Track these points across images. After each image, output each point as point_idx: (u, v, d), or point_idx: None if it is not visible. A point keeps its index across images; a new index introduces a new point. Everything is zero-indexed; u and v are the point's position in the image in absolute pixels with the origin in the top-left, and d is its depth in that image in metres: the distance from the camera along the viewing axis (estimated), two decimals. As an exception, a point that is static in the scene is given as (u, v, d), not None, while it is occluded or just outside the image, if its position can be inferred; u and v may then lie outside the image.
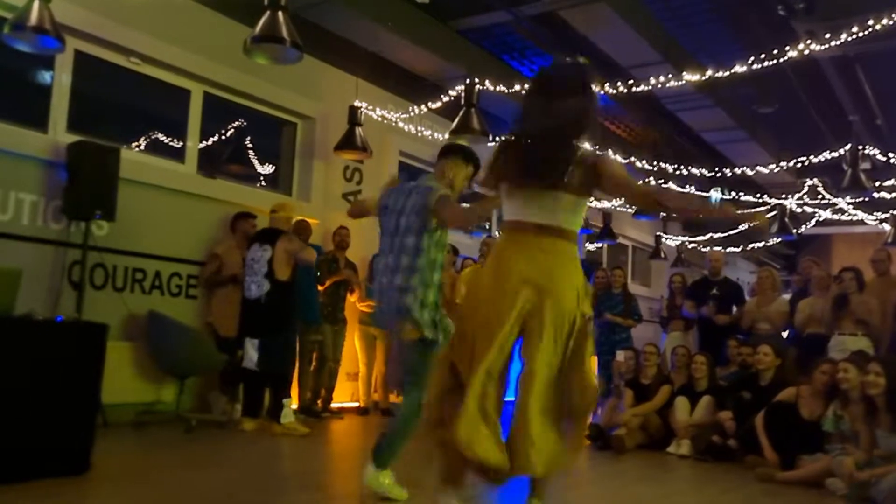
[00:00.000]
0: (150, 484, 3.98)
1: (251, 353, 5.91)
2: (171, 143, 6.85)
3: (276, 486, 4.19)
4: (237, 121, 7.60)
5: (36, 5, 4.80)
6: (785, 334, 7.38)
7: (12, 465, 3.65)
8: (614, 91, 7.01)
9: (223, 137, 7.51)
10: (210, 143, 7.20)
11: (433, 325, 3.69)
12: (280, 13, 5.04)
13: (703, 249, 14.74)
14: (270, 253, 5.91)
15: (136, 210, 6.01)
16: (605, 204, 12.02)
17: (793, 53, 5.86)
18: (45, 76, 5.94)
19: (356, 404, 7.77)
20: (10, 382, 3.68)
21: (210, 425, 5.96)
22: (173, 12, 6.38)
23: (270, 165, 8.08)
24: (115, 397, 5.45)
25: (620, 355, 7.22)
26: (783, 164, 9.86)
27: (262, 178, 8.10)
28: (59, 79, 5.87)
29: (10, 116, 5.54)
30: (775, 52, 6.01)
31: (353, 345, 7.61)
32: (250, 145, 8.00)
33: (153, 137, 6.77)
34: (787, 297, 7.92)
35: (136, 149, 6.60)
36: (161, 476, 4.20)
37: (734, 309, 7.58)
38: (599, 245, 13.14)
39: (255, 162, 8.10)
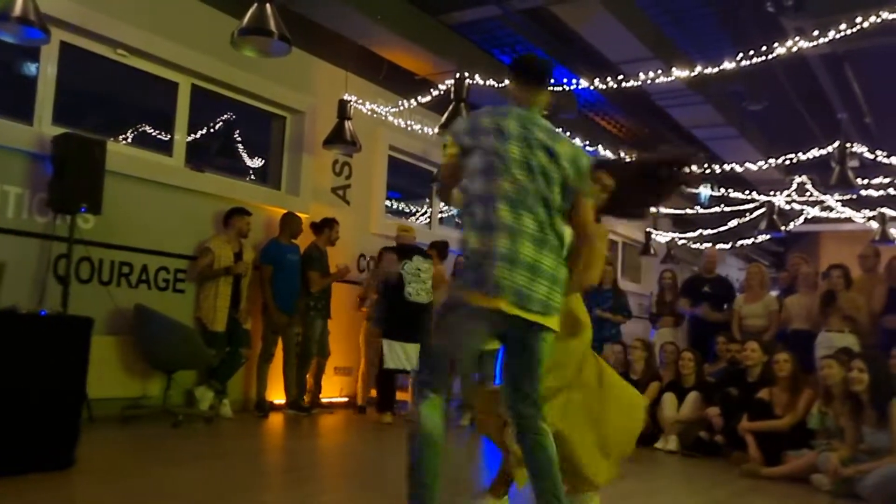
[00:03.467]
0: (135, 478, 3.95)
1: (411, 354, 6.48)
2: (158, 136, 6.80)
3: (263, 482, 4.18)
4: (226, 114, 7.56)
5: (21, -4, 4.75)
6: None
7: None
8: (604, 87, 7.01)
9: (211, 131, 7.47)
10: (198, 136, 7.16)
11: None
12: (268, 5, 5.01)
13: (693, 246, 14.79)
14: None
15: (123, 203, 5.97)
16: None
17: (781, 51, 5.87)
18: (31, 68, 5.87)
19: (346, 399, 7.75)
20: (-7, 376, 3.65)
21: (197, 420, 5.94)
22: (161, 4, 6.33)
23: (259, 159, 8.05)
24: (101, 392, 5.42)
25: (607, 349, 7.24)
26: (772, 161, 9.87)
27: (250, 171, 8.07)
28: (45, 70, 5.81)
29: (-6, 108, 5.48)
30: (764, 49, 6.01)
31: (351, 340, 7.62)
32: (239, 139, 7.96)
33: (140, 130, 6.72)
34: (775, 293, 7.96)
35: (124, 142, 6.55)
36: (147, 471, 4.18)
37: (725, 307, 7.60)
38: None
39: (244, 155, 8.07)
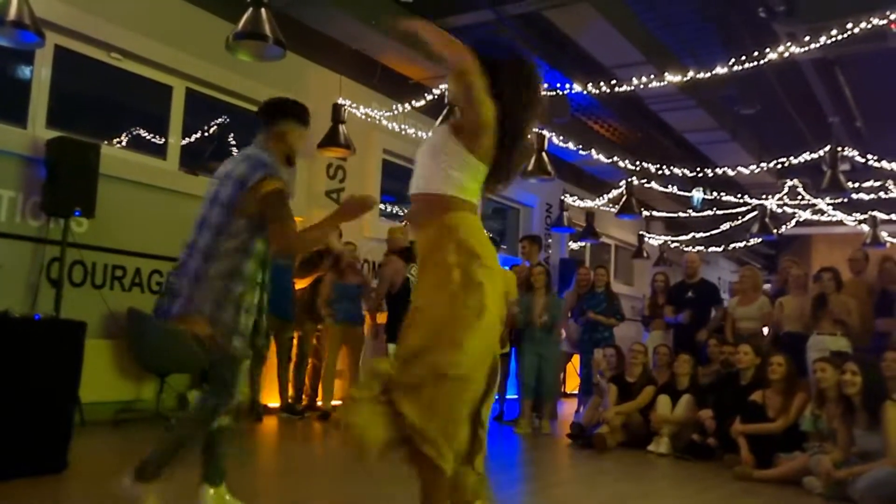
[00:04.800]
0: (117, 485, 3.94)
1: None
2: (152, 140, 6.79)
3: (257, 485, 4.18)
4: (220, 117, 7.56)
5: (15, 0, 4.75)
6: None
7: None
8: (597, 91, 7.04)
9: (205, 134, 7.46)
10: (192, 139, 7.15)
11: None
12: (263, 10, 5.02)
13: (686, 249, 14.85)
14: None
15: (117, 207, 5.96)
16: (589, 203, 12.10)
17: (773, 55, 5.92)
18: (25, 71, 5.87)
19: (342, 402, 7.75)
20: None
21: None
22: (155, 8, 6.33)
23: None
24: (94, 395, 5.41)
25: (598, 353, 7.26)
26: (764, 164, 9.95)
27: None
28: (39, 74, 5.80)
29: (-12, 112, 5.48)
30: (756, 53, 6.06)
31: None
32: (233, 142, 7.94)
33: (134, 133, 6.71)
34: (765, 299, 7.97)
35: (118, 145, 6.54)
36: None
37: (712, 311, 7.62)
38: (582, 244, 13.19)
39: (238, 159, 8.04)
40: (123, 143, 6.62)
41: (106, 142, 6.18)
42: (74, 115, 6.25)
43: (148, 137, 6.79)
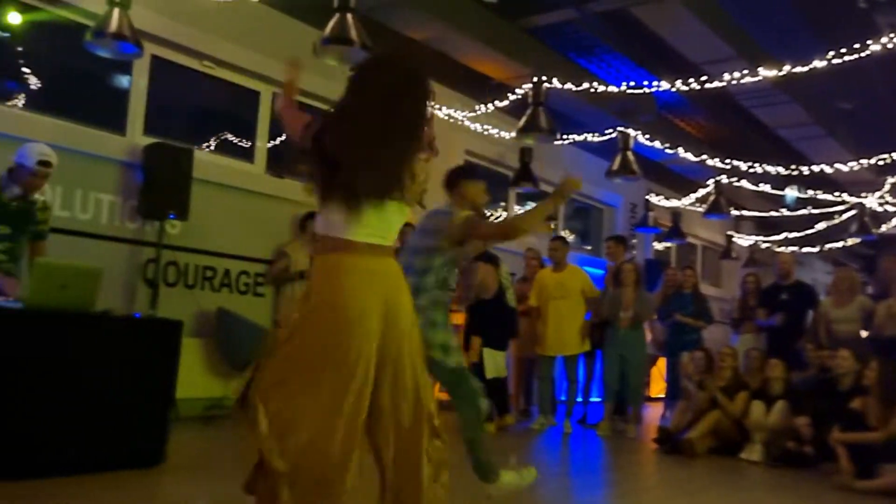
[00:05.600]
0: (224, 477, 4.05)
1: (502, 361, 6.63)
2: (240, 144, 6.99)
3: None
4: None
5: (116, 13, 4.97)
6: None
7: (91, 456, 3.78)
8: (686, 88, 6.86)
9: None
10: (278, 142, 7.33)
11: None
12: (349, 15, 5.10)
13: (778, 249, 14.31)
14: None
15: (207, 209, 6.16)
16: (675, 203, 11.81)
17: (875, 47, 5.63)
18: (124, 81, 6.13)
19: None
20: (91, 377, 3.82)
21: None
22: (245, 16, 6.51)
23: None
24: (185, 391, 5.58)
25: (686, 356, 7.06)
26: (863, 161, 9.47)
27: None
28: (137, 83, 6.05)
29: (91, 120, 5.74)
30: (856, 46, 5.78)
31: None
32: (318, 145, 8.09)
33: (223, 138, 6.92)
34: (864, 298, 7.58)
35: (207, 149, 6.76)
36: (234, 468, 4.28)
37: (809, 313, 7.31)
38: (668, 244, 12.89)
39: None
40: (213, 148, 6.84)
41: (197, 146, 6.39)
42: (168, 121, 6.49)
43: (236, 141, 6.99)
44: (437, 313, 3.58)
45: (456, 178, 3.94)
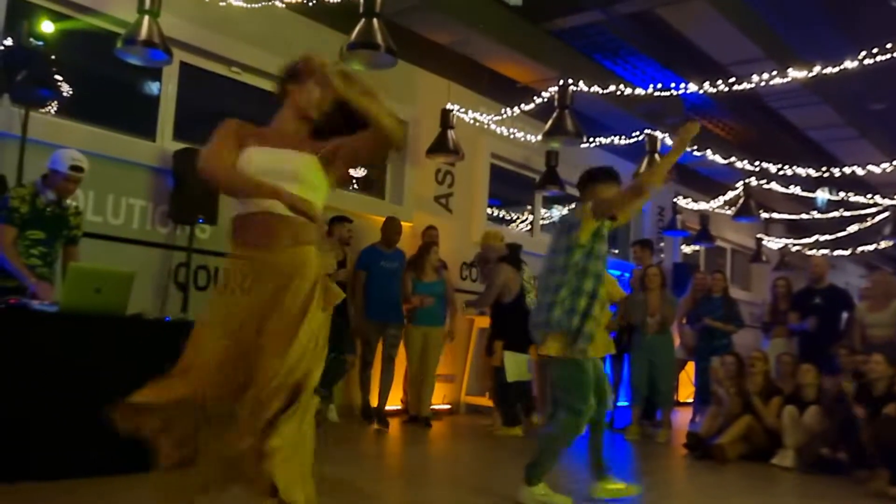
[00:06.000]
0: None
1: (524, 364, 6.60)
2: (268, 149, 7.02)
3: (377, 483, 4.24)
4: (332, 126, 7.74)
5: (146, 21, 5.04)
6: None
7: (122, 457, 3.81)
8: (714, 90, 6.79)
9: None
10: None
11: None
12: (375, 20, 5.12)
13: (809, 252, 14.10)
14: None
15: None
16: (703, 206, 11.69)
17: (910, 46, 5.53)
18: (153, 87, 6.21)
19: (448, 406, 7.79)
20: (123, 379, 3.84)
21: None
22: (272, 22, 6.57)
23: (363, 169, 8.21)
24: (216, 395, 5.63)
25: (716, 361, 6.97)
26: (896, 162, 9.31)
27: (354, 181, 8.23)
28: (167, 89, 6.13)
29: (122, 126, 5.83)
30: (888, 46, 5.68)
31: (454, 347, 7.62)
32: (344, 149, 8.12)
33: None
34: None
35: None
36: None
37: (844, 317, 7.19)
38: (696, 248, 12.76)
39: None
40: (242, 153, 6.88)
41: (226, 152, 6.44)
42: (197, 126, 6.55)
43: (265, 147, 7.02)
44: (578, 301, 3.84)
45: (587, 182, 4.11)
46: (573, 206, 4.05)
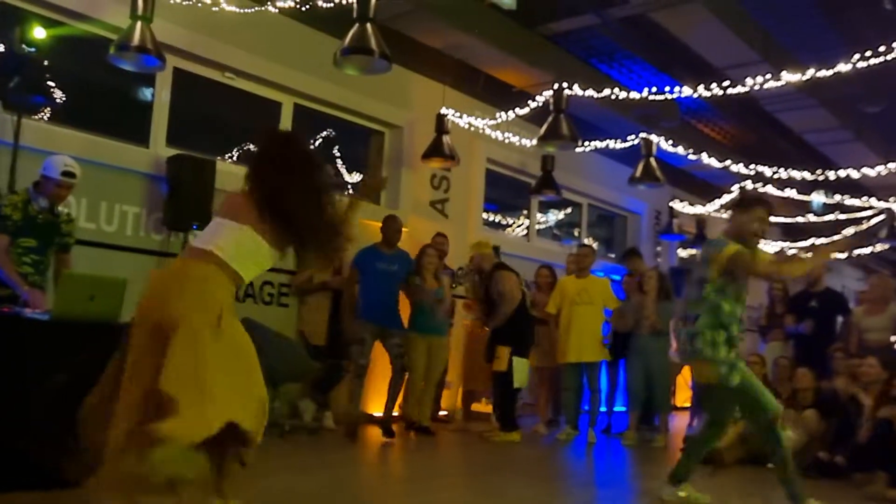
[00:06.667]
0: (253, 487, 4.04)
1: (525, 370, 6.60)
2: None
3: (378, 489, 4.22)
4: (326, 130, 7.73)
5: (138, 26, 5.01)
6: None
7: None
8: (709, 93, 6.79)
9: (312, 147, 7.63)
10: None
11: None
12: (368, 25, 5.10)
13: (805, 256, 14.10)
14: None
15: (231, 220, 6.16)
16: (699, 209, 11.70)
17: (903, 49, 5.54)
18: (147, 93, 6.19)
19: (445, 413, 7.75)
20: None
21: (301, 431, 6.07)
22: (266, 28, 6.55)
23: (358, 174, 8.19)
24: (211, 402, 5.60)
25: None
26: (891, 165, 9.31)
27: (350, 186, 8.22)
28: (160, 95, 6.11)
29: (115, 132, 5.80)
30: (882, 48, 5.68)
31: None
32: (338, 154, 8.12)
33: (245, 148, 6.95)
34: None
35: (230, 160, 6.79)
36: (265, 480, 4.27)
37: (839, 320, 7.18)
38: (693, 251, 12.75)
39: (343, 170, 8.22)
40: (235, 158, 6.87)
41: (219, 157, 6.42)
42: (190, 132, 6.54)
43: (258, 152, 6.99)
44: (717, 335, 4.12)
45: (731, 209, 4.34)
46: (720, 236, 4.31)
